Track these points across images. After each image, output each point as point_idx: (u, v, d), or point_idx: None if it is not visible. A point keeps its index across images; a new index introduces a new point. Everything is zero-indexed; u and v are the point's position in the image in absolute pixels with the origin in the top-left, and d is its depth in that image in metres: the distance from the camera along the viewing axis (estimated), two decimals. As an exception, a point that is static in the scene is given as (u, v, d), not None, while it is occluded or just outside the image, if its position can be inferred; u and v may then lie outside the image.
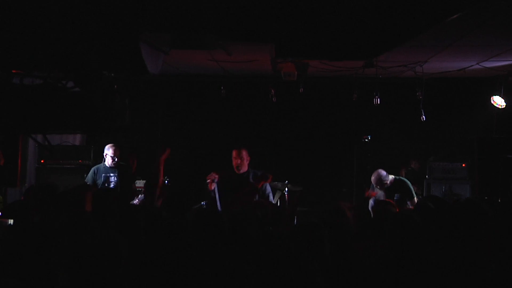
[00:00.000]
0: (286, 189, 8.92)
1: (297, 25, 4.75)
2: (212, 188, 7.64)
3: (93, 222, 4.59)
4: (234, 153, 7.88)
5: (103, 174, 8.51)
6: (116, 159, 8.45)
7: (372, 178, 8.21)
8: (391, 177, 8.20)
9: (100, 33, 5.01)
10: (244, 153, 7.87)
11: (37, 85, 5.32)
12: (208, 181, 7.67)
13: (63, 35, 5.01)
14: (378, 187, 8.17)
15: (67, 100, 5.26)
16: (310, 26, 4.77)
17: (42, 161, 9.50)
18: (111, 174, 8.53)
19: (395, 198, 7.96)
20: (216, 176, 7.67)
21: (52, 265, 4.04)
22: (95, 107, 5.28)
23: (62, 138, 9.92)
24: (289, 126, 10.91)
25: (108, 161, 8.50)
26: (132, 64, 5.06)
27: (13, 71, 5.20)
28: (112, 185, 8.47)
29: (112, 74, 5.63)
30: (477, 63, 8.72)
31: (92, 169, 8.64)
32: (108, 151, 8.48)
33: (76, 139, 10.40)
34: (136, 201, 8.12)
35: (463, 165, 9.77)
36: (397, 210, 6.39)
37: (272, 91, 9.99)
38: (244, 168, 7.83)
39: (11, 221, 5.71)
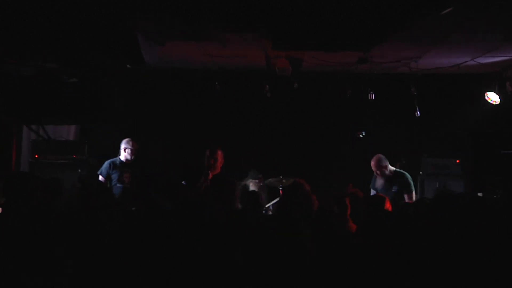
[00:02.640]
0: (281, 185, 8.93)
1: (293, 16, 4.75)
2: (204, 188, 7.56)
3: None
4: (220, 154, 7.79)
5: (119, 169, 8.52)
6: (134, 153, 8.44)
7: (372, 162, 8.18)
8: (391, 168, 8.18)
9: (97, 23, 5.01)
10: (219, 154, 7.79)
11: (33, 75, 5.32)
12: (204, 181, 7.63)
13: (60, 25, 5.01)
14: (378, 172, 8.14)
15: (62, 91, 5.27)
16: (306, 17, 4.78)
17: (36, 156, 9.46)
18: (126, 170, 8.53)
19: (393, 190, 7.96)
20: (211, 176, 7.63)
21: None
22: (91, 98, 5.28)
23: (56, 133, 9.88)
24: (283, 122, 10.90)
25: (126, 156, 8.49)
26: (129, 55, 5.06)
27: (9, 61, 5.20)
28: (126, 181, 8.46)
29: (109, 67, 5.62)
30: (472, 59, 8.75)
31: (107, 162, 8.61)
32: (127, 145, 8.46)
33: (70, 134, 10.36)
34: None
35: (457, 161, 9.77)
36: (390, 208, 6.35)
37: (266, 86, 9.98)
38: (217, 170, 7.76)
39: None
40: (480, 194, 8.67)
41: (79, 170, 9.28)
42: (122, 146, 8.54)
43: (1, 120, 8.11)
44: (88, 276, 3.99)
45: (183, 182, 7.35)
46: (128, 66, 5.34)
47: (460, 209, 5.26)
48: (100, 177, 8.58)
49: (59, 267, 4.02)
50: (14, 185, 5.18)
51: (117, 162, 8.57)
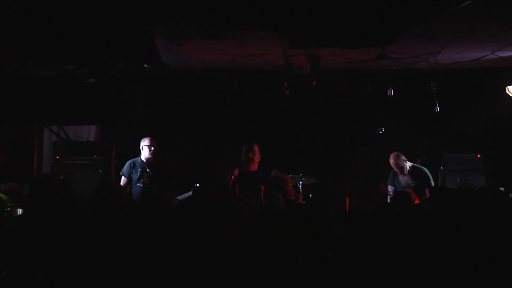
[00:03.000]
0: (301, 182, 8.92)
1: (310, 13, 4.74)
2: (231, 185, 7.60)
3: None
4: (244, 148, 7.84)
5: (139, 169, 8.56)
6: (154, 151, 8.48)
7: (391, 160, 8.21)
8: (409, 164, 8.19)
9: (115, 25, 5.04)
10: (257, 149, 7.85)
11: (52, 77, 5.37)
12: (232, 177, 7.65)
13: (78, 27, 5.05)
14: (398, 170, 8.15)
15: (81, 92, 5.31)
16: (324, 14, 4.77)
17: (57, 157, 9.55)
18: (148, 170, 8.58)
19: (412, 185, 7.97)
20: (237, 172, 7.67)
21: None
22: (109, 99, 5.32)
23: (77, 134, 9.97)
24: (302, 119, 10.89)
25: (145, 155, 8.53)
26: (147, 55, 5.09)
27: (29, 63, 5.25)
28: (146, 181, 8.49)
29: (127, 67, 5.65)
30: (492, 53, 8.65)
31: (128, 162, 8.65)
32: (146, 144, 8.50)
33: (90, 135, 10.44)
34: None
35: (478, 156, 9.71)
36: (417, 201, 6.38)
37: (285, 84, 9.97)
38: (255, 166, 7.82)
39: (20, 211, 5.78)
40: (502, 189, 8.62)
41: (100, 171, 9.35)
42: (142, 144, 8.59)
43: (22, 123, 8.21)
44: (102, 275, 4.02)
45: (196, 185, 7.39)
46: (145, 66, 5.36)
47: (481, 202, 5.25)
48: (123, 178, 8.63)
49: (76, 267, 4.06)
50: (39, 188, 5.26)
51: (138, 162, 8.61)
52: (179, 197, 8.49)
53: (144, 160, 8.59)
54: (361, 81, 9.91)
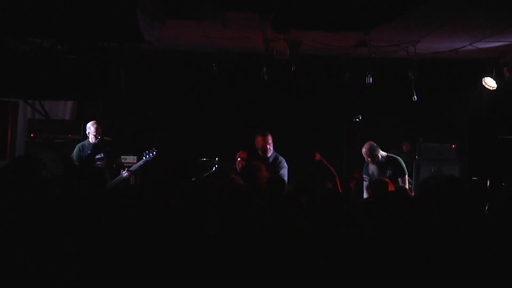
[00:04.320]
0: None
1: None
2: (241, 166, 7.61)
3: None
4: (260, 140, 7.86)
5: (88, 152, 8.46)
6: (98, 137, 8.38)
7: (363, 150, 8.20)
8: (383, 153, 8.21)
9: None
10: (270, 139, 7.89)
11: (31, 51, 5.28)
12: (239, 159, 7.66)
13: (58, 1, 4.96)
14: (369, 159, 8.17)
15: (61, 67, 5.22)
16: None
17: (31, 135, 9.44)
18: (97, 151, 8.46)
19: (387, 174, 8.00)
20: (245, 155, 7.68)
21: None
22: (90, 75, 5.25)
23: (52, 113, 9.84)
24: (280, 104, 10.91)
25: (91, 139, 8.42)
26: (129, 32, 5.01)
27: (12, 36, 5.15)
28: (99, 163, 8.39)
29: (108, 44, 5.56)
30: (470, 44, 8.74)
31: (77, 146, 8.51)
32: (90, 130, 8.39)
33: (66, 114, 10.33)
34: (125, 174, 8.09)
35: (453, 146, 9.80)
36: (393, 188, 6.44)
37: (264, 68, 9.97)
38: (270, 152, 7.88)
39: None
40: (474, 179, 8.74)
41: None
42: (87, 129, 8.40)
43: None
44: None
45: (192, 179, 7.38)
46: (127, 43, 5.30)
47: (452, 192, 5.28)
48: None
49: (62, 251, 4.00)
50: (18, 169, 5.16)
51: (86, 144, 8.41)
52: (132, 168, 8.46)
53: (92, 143, 8.44)
54: (340, 68, 9.94)
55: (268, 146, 7.85)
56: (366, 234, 4.62)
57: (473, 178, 8.87)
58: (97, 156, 8.39)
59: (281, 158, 7.94)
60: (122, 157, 8.98)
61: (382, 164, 8.14)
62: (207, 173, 9.03)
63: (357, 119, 9.48)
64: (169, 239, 4.11)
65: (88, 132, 8.40)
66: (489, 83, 9.55)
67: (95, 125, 8.36)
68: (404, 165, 8.23)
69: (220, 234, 4.19)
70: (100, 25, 4.94)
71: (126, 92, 9.26)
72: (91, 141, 8.41)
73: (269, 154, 7.88)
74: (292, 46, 9.00)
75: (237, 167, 7.64)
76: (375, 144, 8.21)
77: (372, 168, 8.19)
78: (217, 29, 8.00)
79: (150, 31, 5.29)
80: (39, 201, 4.46)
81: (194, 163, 8.03)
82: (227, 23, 6.51)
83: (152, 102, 10.65)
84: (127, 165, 8.84)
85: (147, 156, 8.38)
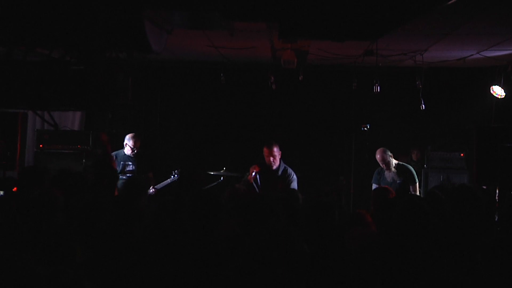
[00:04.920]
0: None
1: (301, 3, 4.75)
2: (252, 179, 7.83)
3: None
4: (265, 151, 7.92)
5: (121, 162, 8.58)
6: (135, 150, 8.51)
7: (377, 156, 8.25)
8: (394, 161, 8.25)
9: (104, 10, 5.00)
10: (276, 149, 7.94)
11: (40, 62, 5.32)
12: (253, 173, 7.82)
13: (67, 12, 5.00)
14: (384, 165, 8.21)
15: (70, 78, 5.26)
16: (314, 5, 4.78)
17: (40, 145, 9.49)
18: (129, 163, 8.61)
19: (398, 182, 8.02)
20: (258, 169, 7.79)
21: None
22: (98, 85, 5.28)
23: (61, 123, 9.90)
24: (288, 114, 10.92)
25: (127, 151, 8.53)
26: (136, 42, 5.05)
27: (20, 48, 5.20)
28: (129, 174, 8.51)
29: (116, 54, 5.61)
30: (477, 52, 8.72)
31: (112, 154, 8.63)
32: (129, 142, 8.54)
33: (74, 124, 10.39)
34: (151, 191, 8.23)
35: (461, 154, 9.78)
36: (393, 195, 6.41)
37: (272, 78, 9.98)
38: (277, 163, 7.91)
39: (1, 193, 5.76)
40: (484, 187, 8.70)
41: (84, 160, 9.31)
42: (125, 141, 8.61)
43: (6, 110, 8.13)
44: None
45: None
46: (134, 53, 5.33)
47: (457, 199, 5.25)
48: None
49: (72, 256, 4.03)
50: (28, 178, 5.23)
51: (120, 155, 8.61)
52: (158, 186, 8.58)
53: (126, 154, 8.58)
54: (348, 77, 9.95)
55: (272, 159, 7.85)
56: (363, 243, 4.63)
57: (482, 186, 8.83)
58: (127, 169, 8.52)
59: (290, 171, 7.96)
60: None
61: (394, 171, 8.19)
62: (214, 183, 9.10)
63: (365, 128, 9.49)
64: (182, 248, 4.13)
65: (126, 144, 8.52)
66: (497, 91, 9.53)
67: (134, 139, 8.54)
68: (415, 173, 8.27)
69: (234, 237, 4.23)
70: (108, 36, 4.98)
71: (133, 102, 9.39)
72: (126, 153, 8.56)
73: (275, 166, 7.89)
74: (300, 56, 9.01)
75: (249, 179, 7.74)
76: (387, 149, 8.27)
77: (388, 175, 8.22)
78: (224, 39, 8.03)
79: (157, 41, 5.33)
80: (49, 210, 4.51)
81: (201, 173, 8.05)
82: (234, 33, 6.53)
83: (160, 111, 10.68)
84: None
85: (175, 175, 8.55)
